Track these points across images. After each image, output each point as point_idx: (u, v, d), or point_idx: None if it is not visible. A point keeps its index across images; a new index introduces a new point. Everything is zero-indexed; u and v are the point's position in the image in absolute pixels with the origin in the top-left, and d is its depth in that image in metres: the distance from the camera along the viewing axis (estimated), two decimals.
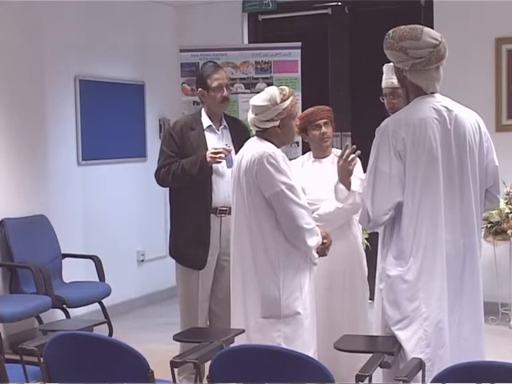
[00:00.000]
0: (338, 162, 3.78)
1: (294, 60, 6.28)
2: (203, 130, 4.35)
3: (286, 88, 3.57)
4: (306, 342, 3.45)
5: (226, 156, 4.18)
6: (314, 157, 4.20)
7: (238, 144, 4.19)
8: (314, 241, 3.44)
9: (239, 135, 4.32)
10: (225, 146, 4.21)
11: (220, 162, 4.19)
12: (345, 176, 3.77)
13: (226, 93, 4.32)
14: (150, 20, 7.24)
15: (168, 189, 4.52)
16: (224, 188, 4.22)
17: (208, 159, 4.16)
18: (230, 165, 4.10)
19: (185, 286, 4.39)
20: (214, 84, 4.30)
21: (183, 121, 4.45)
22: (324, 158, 4.17)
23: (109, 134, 6.67)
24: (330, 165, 4.13)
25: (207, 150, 4.23)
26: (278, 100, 3.47)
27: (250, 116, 3.54)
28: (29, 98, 5.97)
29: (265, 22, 7.35)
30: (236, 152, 3.99)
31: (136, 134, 7.05)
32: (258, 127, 3.53)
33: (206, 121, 4.36)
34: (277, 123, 3.48)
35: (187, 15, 7.48)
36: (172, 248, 4.49)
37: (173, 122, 4.55)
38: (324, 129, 4.09)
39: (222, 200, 4.24)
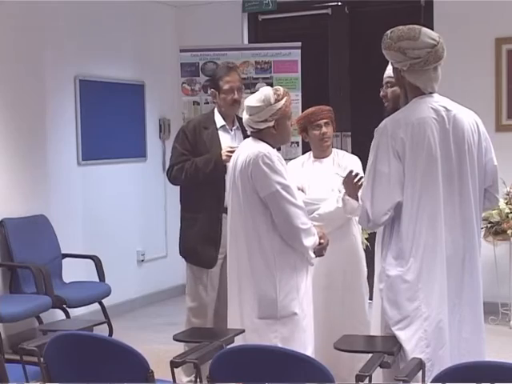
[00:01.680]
0: (345, 183, 3.56)
1: (293, 60, 6.27)
2: (217, 129, 4.37)
3: (281, 88, 3.56)
4: (303, 342, 3.44)
5: None
6: (315, 157, 4.20)
7: None
8: (310, 241, 3.43)
9: None
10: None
11: None
12: (353, 193, 3.53)
13: (236, 96, 4.33)
14: (150, 20, 7.23)
15: (179, 187, 4.52)
16: None
17: (223, 157, 4.18)
18: None
19: (195, 284, 4.39)
20: (226, 86, 4.32)
21: (197, 120, 4.51)
22: (324, 157, 4.17)
23: (109, 134, 6.67)
24: (330, 165, 4.13)
25: (221, 148, 4.24)
26: (272, 100, 3.45)
27: (245, 117, 3.53)
28: (29, 98, 5.97)
29: (265, 21, 7.35)
30: None
31: (136, 134, 7.05)
32: (253, 128, 3.52)
33: (219, 120, 4.39)
34: (271, 124, 3.47)
35: (187, 15, 7.48)
36: (182, 246, 4.49)
37: (186, 120, 4.59)
38: (324, 129, 4.10)
39: None
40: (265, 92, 3.49)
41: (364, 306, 4.08)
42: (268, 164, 3.38)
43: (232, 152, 4.13)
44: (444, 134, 3.05)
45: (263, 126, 3.48)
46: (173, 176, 4.36)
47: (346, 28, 7.03)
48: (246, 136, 4.35)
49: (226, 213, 4.23)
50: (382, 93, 3.89)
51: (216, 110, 4.42)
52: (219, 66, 4.61)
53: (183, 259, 4.52)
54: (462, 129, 3.08)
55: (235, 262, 3.54)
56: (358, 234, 4.13)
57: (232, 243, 3.57)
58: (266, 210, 3.41)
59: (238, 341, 3.26)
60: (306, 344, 3.46)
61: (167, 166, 4.49)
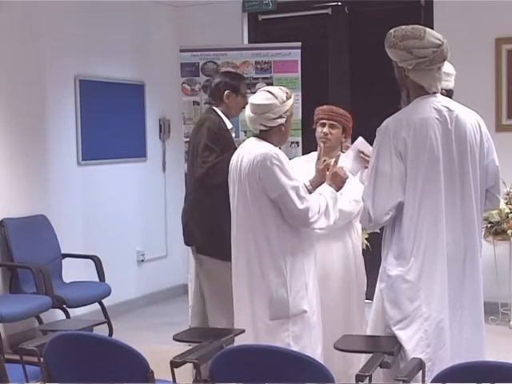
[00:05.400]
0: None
1: (293, 60, 6.27)
2: (228, 130, 4.37)
3: (284, 88, 3.60)
4: (314, 338, 3.47)
5: None
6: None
7: None
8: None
9: None
10: None
11: None
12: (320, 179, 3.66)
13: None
14: (150, 20, 7.23)
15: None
16: None
17: None
18: None
19: (223, 280, 4.03)
20: (243, 91, 4.47)
21: (214, 120, 4.32)
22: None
23: (109, 134, 6.67)
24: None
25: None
26: (284, 98, 3.48)
27: (251, 115, 3.50)
28: (29, 98, 5.97)
29: (265, 21, 7.35)
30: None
31: (136, 133, 7.05)
32: (265, 126, 3.48)
33: (228, 123, 4.39)
34: (283, 120, 3.48)
35: (187, 15, 7.48)
36: (216, 245, 4.17)
37: (207, 123, 4.32)
38: (326, 129, 4.04)
39: None
40: (273, 90, 3.50)
41: (362, 308, 4.07)
42: (277, 165, 3.37)
43: None
44: (446, 135, 3.05)
45: (277, 122, 3.47)
46: (211, 176, 4.10)
47: (346, 28, 7.03)
48: None
49: None
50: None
51: (220, 112, 4.38)
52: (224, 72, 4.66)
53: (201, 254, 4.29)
54: (464, 129, 3.08)
55: (244, 266, 3.50)
56: (355, 235, 4.09)
57: (240, 246, 3.54)
58: (275, 210, 3.40)
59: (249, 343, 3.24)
60: (317, 340, 3.48)
61: (204, 168, 4.15)
